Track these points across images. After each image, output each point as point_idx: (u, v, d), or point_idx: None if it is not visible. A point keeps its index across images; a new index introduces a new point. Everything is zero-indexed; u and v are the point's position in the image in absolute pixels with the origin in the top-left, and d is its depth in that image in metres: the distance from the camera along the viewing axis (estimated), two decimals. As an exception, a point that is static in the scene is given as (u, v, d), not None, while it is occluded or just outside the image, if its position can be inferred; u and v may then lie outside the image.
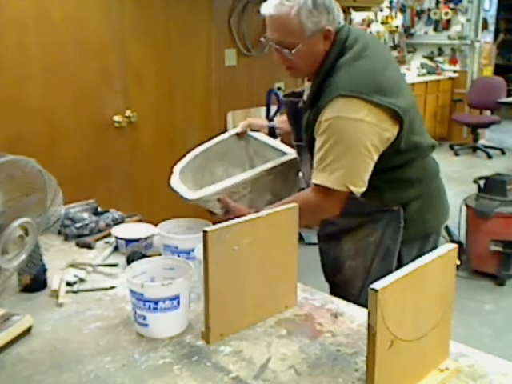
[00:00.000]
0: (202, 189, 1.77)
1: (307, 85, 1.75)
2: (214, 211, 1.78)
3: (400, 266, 1.65)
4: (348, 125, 1.51)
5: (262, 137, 2.06)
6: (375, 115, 1.51)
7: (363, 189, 1.56)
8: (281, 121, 2.05)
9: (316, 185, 1.58)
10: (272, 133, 2.05)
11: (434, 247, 1.74)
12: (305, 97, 1.75)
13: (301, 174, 1.91)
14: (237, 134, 2.06)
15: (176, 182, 1.83)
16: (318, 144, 1.58)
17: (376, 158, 1.55)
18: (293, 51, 1.58)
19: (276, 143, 2.03)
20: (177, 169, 1.90)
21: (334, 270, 1.82)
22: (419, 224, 1.72)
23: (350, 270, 1.75)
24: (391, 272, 1.61)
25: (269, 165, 1.84)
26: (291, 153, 1.91)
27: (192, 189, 1.82)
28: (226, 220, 1.29)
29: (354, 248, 1.74)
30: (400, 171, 1.65)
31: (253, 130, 2.07)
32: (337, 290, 1.79)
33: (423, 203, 1.71)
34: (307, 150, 1.71)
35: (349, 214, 1.64)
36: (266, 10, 1.58)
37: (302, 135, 1.71)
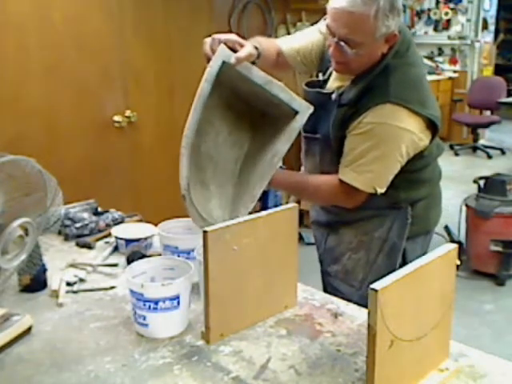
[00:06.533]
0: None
1: (336, 75, 1.67)
2: None
3: (404, 261, 1.69)
4: (391, 132, 1.52)
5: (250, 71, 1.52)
6: (417, 125, 1.54)
7: (385, 189, 1.58)
8: (265, 61, 1.64)
9: (342, 181, 1.59)
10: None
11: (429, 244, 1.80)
12: (329, 86, 1.67)
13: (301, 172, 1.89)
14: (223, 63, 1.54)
15: (192, 213, 1.49)
16: (352, 143, 1.57)
17: (405, 162, 1.57)
18: (357, 50, 1.49)
19: (270, 85, 1.52)
20: (184, 189, 1.45)
21: (330, 261, 1.82)
22: (424, 221, 1.76)
23: (351, 261, 1.75)
24: (395, 266, 1.64)
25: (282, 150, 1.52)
26: (299, 103, 1.53)
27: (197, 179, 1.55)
28: None
29: (355, 241, 1.74)
30: (417, 173, 1.67)
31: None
32: (330, 280, 1.80)
33: (429, 202, 1.76)
34: (325, 145, 1.66)
35: (356, 207, 1.65)
36: (341, 3, 1.45)
37: (329, 130, 1.63)
